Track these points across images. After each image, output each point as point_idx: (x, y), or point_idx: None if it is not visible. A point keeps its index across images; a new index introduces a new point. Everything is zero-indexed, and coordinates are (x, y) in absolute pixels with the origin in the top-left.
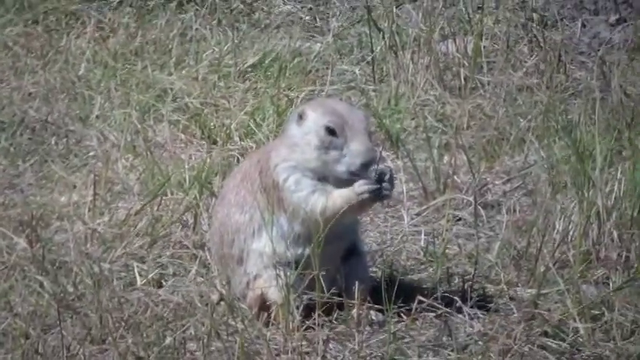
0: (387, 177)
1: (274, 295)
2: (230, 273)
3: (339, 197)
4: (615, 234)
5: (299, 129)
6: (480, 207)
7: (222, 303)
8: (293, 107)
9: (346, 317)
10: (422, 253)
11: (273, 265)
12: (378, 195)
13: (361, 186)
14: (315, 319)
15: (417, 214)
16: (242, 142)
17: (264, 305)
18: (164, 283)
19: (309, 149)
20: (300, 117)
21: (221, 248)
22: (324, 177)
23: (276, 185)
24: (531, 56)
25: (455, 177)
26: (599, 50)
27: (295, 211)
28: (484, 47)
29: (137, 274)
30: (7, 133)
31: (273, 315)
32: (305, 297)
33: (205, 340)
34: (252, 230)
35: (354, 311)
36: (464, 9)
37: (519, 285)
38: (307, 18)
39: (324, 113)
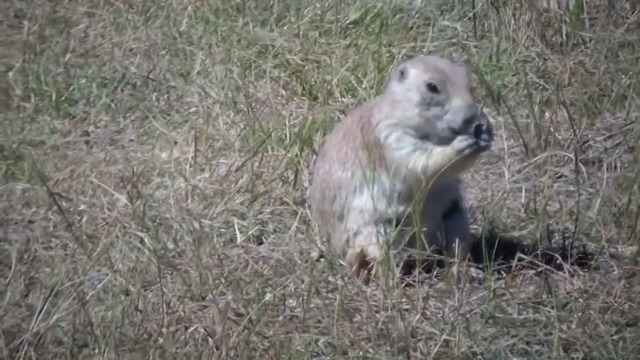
0: (484, 128)
1: (374, 252)
2: (330, 229)
3: (439, 155)
4: None
5: (400, 86)
6: (580, 164)
7: (322, 260)
8: (394, 63)
9: (446, 274)
10: (522, 210)
11: (373, 222)
12: (477, 148)
13: (460, 142)
14: (414, 276)
15: (518, 171)
16: (343, 99)
17: (363, 262)
18: (264, 240)
19: (410, 106)
20: (402, 74)
21: (322, 204)
22: (425, 135)
23: (377, 143)
24: (633, 12)
25: (556, 134)
26: None
27: (397, 169)
28: (586, 3)
29: (237, 231)
30: (108, 89)
31: (373, 272)
32: (405, 254)
33: (305, 297)
34: (354, 187)
35: (454, 268)
36: None
37: (620, 242)
38: None
39: (426, 70)
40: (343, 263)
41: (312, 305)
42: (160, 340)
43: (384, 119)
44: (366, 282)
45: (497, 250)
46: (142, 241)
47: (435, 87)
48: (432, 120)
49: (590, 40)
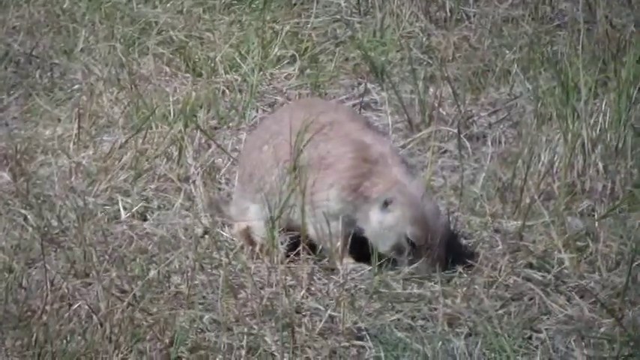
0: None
1: (260, 229)
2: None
3: (335, 249)
4: (600, 165)
5: (379, 214)
6: (464, 139)
7: (206, 236)
8: (278, 40)
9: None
10: None
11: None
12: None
13: (344, 267)
14: (299, 252)
15: (402, 147)
16: (227, 75)
17: (250, 238)
18: (148, 216)
19: (381, 241)
20: (386, 205)
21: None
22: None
23: (319, 198)
24: None
25: (440, 109)
26: None
27: (313, 224)
28: None
29: (121, 208)
30: None
31: (257, 248)
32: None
33: (189, 274)
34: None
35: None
36: None
37: (504, 217)
38: None
39: (412, 221)
40: (228, 235)
41: (196, 282)
42: (44, 318)
43: (343, 202)
44: (252, 258)
45: None
46: (25, 218)
47: (414, 244)
48: (391, 254)
49: (474, 16)
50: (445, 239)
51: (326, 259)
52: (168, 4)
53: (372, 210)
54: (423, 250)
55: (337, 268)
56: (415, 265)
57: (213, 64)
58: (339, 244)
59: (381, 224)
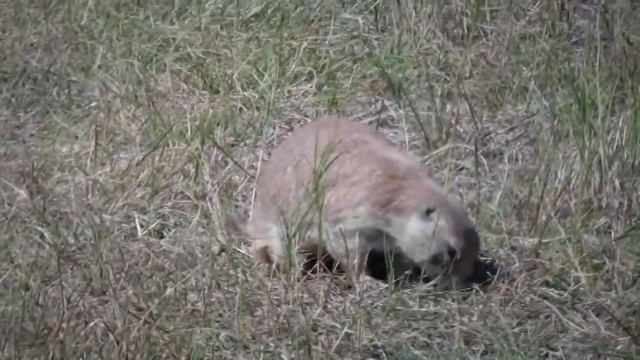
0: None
1: (276, 246)
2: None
3: (353, 265)
4: (617, 182)
5: (421, 222)
6: (481, 156)
7: (223, 254)
8: (296, 56)
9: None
10: None
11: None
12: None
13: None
14: (316, 270)
15: None
16: (244, 92)
17: (266, 256)
18: (165, 233)
19: (419, 251)
20: (428, 213)
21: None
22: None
23: (344, 216)
24: (534, 4)
25: (457, 126)
26: None
27: (328, 238)
28: None
29: (138, 225)
30: (9, 84)
31: (274, 266)
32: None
33: (206, 291)
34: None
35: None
36: None
37: (521, 234)
38: None
39: (455, 231)
40: (245, 252)
41: (213, 299)
42: (61, 335)
43: (372, 218)
44: (269, 276)
45: None
46: (42, 235)
47: (454, 254)
48: (423, 265)
49: (491, 33)
50: (475, 257)
51: (343, 277)
52: (186, 21)
53: (411, 219)
54: (459, 262)
55: (354, 285)
56: (448, 279)
57: (230, 81)
58: (356, 260)
59: (422, 232)
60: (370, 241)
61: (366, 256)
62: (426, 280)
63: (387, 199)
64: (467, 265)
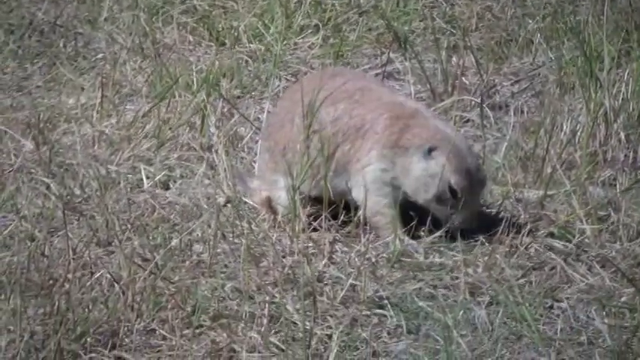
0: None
1: (283, 198)
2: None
3: (386, 225)
4: (622, 135)
5: (423, 162)
6: (487, 108)
7: (228, 205)
8: (301, 9)
9: (352, 219)
10: None
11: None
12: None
13: (406, 244)
14: (321, 220)
15: None
16: (250, 45)
17: (271, 207)
18: (171, 185)
19: (423, 190)
20: (430, 152)
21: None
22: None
23: (361, 160)
24: None
25: (463, 78)
26: None
27: (357, 196)
28: None
29: (144, 177)
30: (15, 36)
31: (279, 217)
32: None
33: (211, 242)
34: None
35: (360, 213)
36: None
37: (526, 186)
38: None
39: (456, 170)
40: (250, 202)
41: (218, 250)
42: (66, 286)
43: (384, 160)
44: (273, 227)
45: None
46: (48, 186)
47: (456, 193)
48: (432, 206)
49: None
50: (483, 192)
51: (347, 229)
52: None
53: (414, 158)
54: (464, 200)
55: (394, 243)
56: (454, 218)
57: (236, 34)
58: (389, 215)
59: (425, 171)
60: (395, 190)
61: (397, 209)
62: (431, 231)
63: (396, 139)
64: (474, 203)
